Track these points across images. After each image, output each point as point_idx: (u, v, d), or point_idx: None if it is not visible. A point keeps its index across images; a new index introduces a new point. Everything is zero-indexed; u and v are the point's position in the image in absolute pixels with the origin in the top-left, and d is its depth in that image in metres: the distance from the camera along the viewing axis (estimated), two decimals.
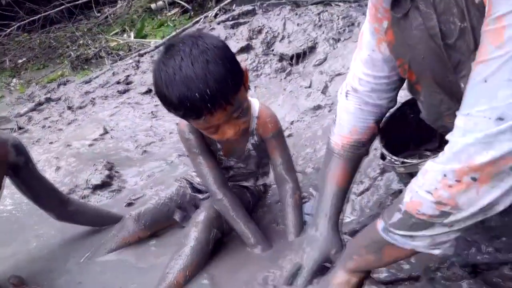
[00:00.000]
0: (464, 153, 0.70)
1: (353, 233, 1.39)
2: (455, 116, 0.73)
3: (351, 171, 1.19)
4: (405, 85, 1.04)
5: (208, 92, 1.03)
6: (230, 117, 1.14)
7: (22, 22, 5.36)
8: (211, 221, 1.41)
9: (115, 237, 1.56)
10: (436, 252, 0.83)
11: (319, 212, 1.19)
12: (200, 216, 1.42)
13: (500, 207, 0.73)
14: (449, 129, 0.74)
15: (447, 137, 0.75)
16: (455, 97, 0.81)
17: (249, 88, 1.28)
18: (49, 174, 2.27)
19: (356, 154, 1.17)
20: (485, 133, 0.66)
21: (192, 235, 1.38)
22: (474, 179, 0.70)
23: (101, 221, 1.69)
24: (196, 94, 1.03)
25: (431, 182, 0.75)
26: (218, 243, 1.46)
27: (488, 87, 0.66)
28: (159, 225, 1.61)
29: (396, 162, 1.14)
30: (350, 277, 1.01)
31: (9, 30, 5.36)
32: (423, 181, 0.77)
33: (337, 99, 1.17)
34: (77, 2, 5.57)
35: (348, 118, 1.14)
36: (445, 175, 0.73)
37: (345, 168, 1.17)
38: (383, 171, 1.54)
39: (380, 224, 0.89)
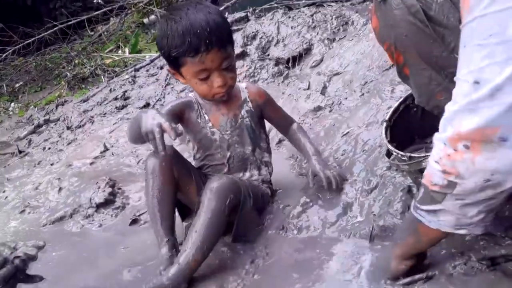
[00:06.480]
0: (453, 120, 0.72)
1: (364, 236, 1.35)
2: (446, 92, 0.76)
3: None
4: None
5: (208, 30, 1.28)
6: (220, 65, 1.36)
7: (17, 46, 5.36)
8: (225, 187, 1.36)
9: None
10: (462, 232, 0.83)
11: None
12: (214, 184, 1.37)
13: (508, 184, 0.72)
14: (443, 108, 0.75)
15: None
16: (443, 72, 0.84)
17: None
18: (52, 196, 2.24)
19: None
20: (466, 100, 0.68)
21: (206, 205, 1.34)
22: (467, 147, 0.71)
23: None
24: (198, 30, 1.28)
25: (437, 152, 0.78)
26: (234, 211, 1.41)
27: (466, 52, 0.69)
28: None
29: (404, 158, 1.12)
30: (399, 263, 1.02)
31: (4, 55, 5.36)
32: (433, 152, 0.79)
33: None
34: (70, 23, 5.59)
35: None
36: (444, 144, 0.75)
37: None
38: (390, 168, 1.51)
39: (413, 202, 0.91)
